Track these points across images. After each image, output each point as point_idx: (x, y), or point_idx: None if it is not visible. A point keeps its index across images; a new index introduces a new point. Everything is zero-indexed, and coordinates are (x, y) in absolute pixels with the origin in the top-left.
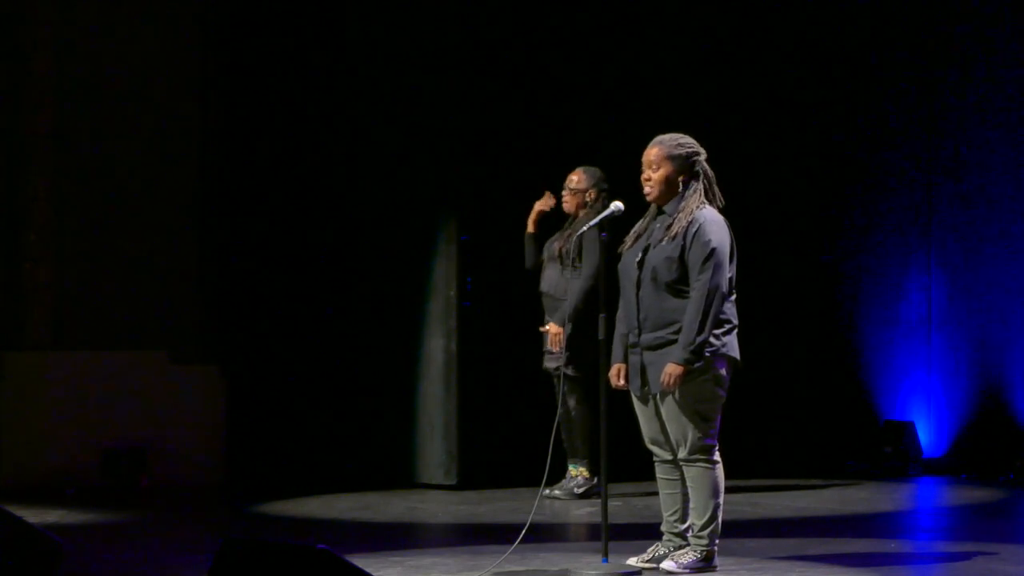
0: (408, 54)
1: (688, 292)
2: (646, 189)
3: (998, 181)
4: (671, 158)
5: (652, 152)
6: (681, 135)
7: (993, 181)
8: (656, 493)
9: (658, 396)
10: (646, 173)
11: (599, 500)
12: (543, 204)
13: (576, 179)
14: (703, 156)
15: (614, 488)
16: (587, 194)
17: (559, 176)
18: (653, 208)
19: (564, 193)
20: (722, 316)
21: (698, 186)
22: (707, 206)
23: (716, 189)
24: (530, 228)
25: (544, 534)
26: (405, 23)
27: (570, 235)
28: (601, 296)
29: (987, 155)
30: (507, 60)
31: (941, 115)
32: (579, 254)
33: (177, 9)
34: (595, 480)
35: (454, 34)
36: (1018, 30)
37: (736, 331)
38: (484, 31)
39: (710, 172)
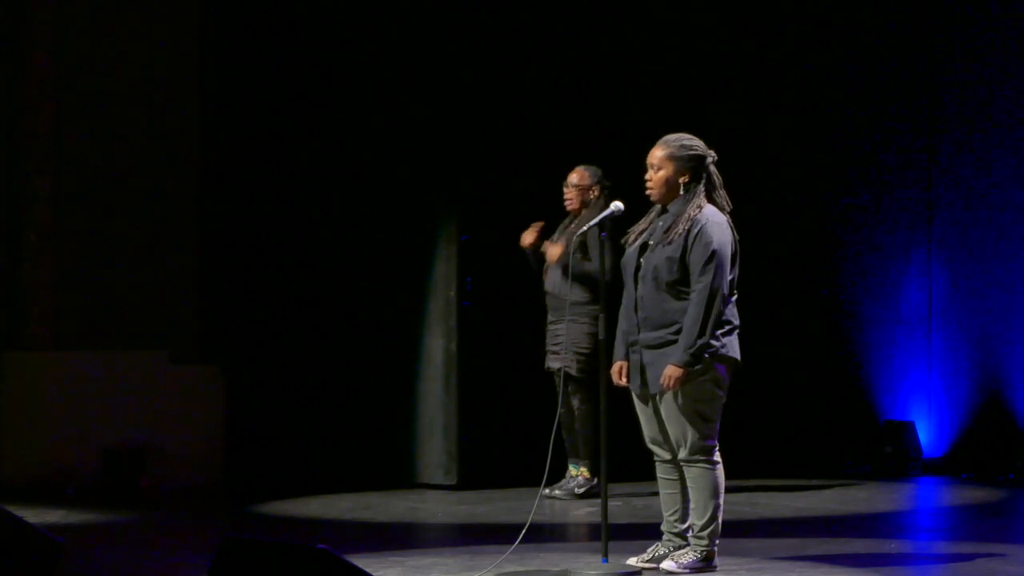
0: (408, 53)
1: (688, 293)
2: (647, 189)
3: (998, 180)
4: (673, 159)
5: (656, 152)
6: (687, 136)
7: (993, 180)
8: (656, 493)
9: (657, 396)
10: (648, 173)
11: (599, 500)
12: (549, 254)
13: (578, 177)
14: (710, 159)
15: (614, 488)
16: (590, 191)
17: (559, 176)
18: (658, 206)
19: (566, 191)
20: (723, 317)
21: (700, 188)
22: (709, 207)
23: (723, 193)
24: (526, 242)
25: (544, 534)
26: (405, 22)
27: (572, 232)
28: (602, 296)
29: (988, 154)
30: (507, 60)
31: (942, 114)
32: (582, 251)
33: (177, 9)
34: (595, 480)
35: (455, 33)
36: (1019, 28)
37: (737, 332)
38: (484, 31)
39: (717, 176)
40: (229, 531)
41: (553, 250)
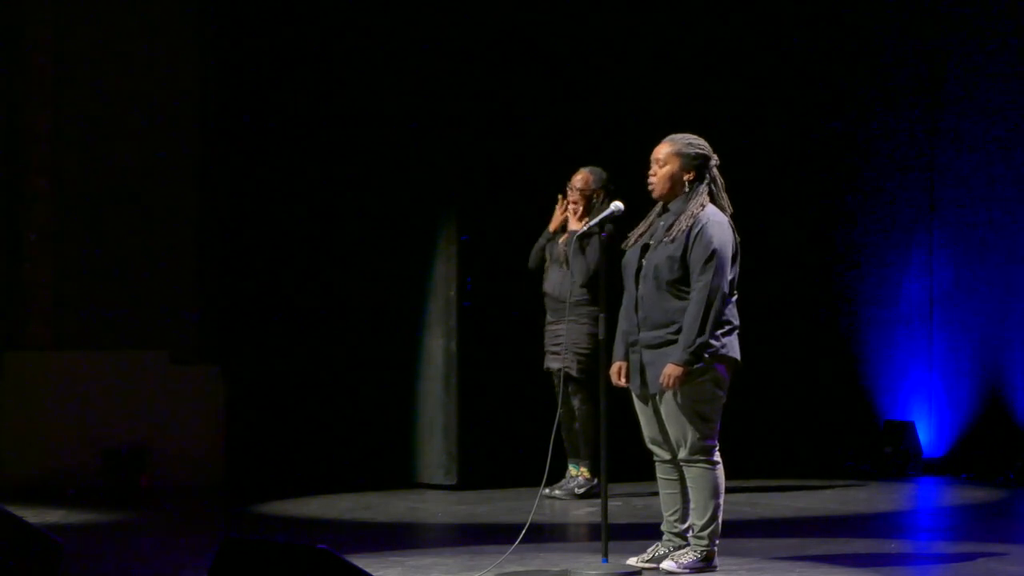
0: (409, 54)
1: (688, 293)
2: (649, 185)
3: (1000, 180)
4: (679, 155)
5: (661, 148)
6: (694, 136)
7: (995, 180)
8: (656, 493)
9: (657, 396)
10: (652, 168)
11: (599, 500)
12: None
13: (581, 180)
14: (713, 161)
15: (614, 488)
16: (595, 195)
17: (559, 176)
18: (659, 206)
19: (570, 194)
20: (723, 317)
21: (703, 188)
22: (711, 207)
23: (724, 195)
24: (552, 227)
25: (544, 534)
26: (405, 22)
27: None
28: (602, 296)
29: (989, 154)
30: (507, 60)
31: (942, 114)
32: (580, 252)
33: (177, 9)
34: (595, 480)
35: (455, 34)
36: (1019, 27)
37: (737, 332)
38: (485, 30)
39: (719, 179)
40: (229, 531)
41: (573, 219)
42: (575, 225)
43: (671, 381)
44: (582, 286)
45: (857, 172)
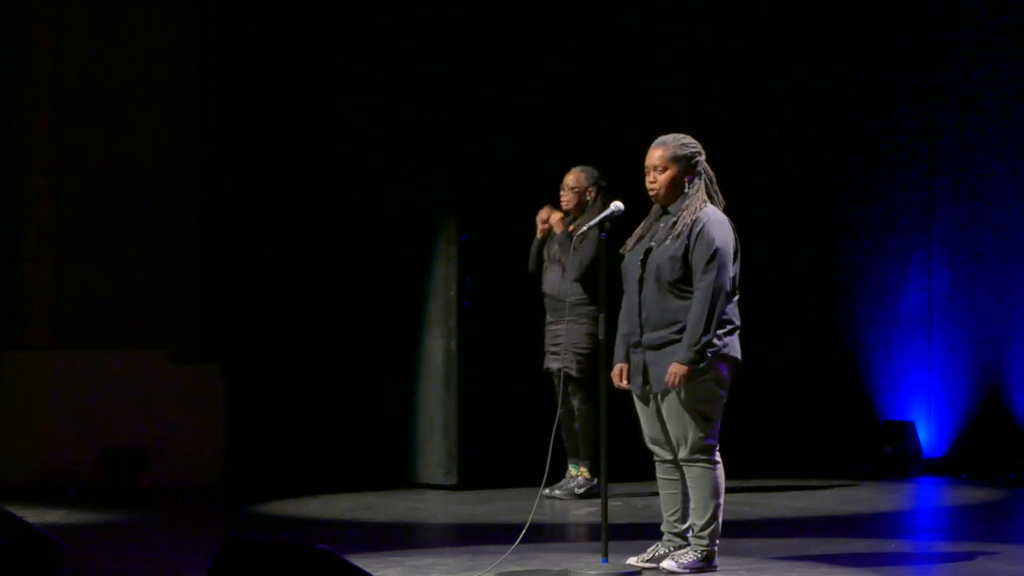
0: (409, 54)
1: (690, 293)
2: (652, 192)
3: (999, 181)
4: (676, 159)
5: (656, 154)
6: (682, 135)
7: (994, 181)
8: (656, 493)
9: (659, 395)
10: (651, 176)
11: (599, 500)
12: (553, 220)
13: (574, 179)
14: (703, 155)
15: (614, 488)
16: (587, 192)
17: (559, 176)
18: (657, 208)
19: (563, 193)
20: (724, 317)
21: (700, 185)
22: (711, 206)
23: (716, 188)
24: (539, 235)
25: (544, 534)
26: (405, 23)
27: (572, 231)
28: (602, 296)
29: (988, 155)
30: (507, 60)
31: (942, 115)
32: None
33: (177, 9)
34: (595, 480)
35: (454, 33)
36: (1018, 29)
37: (738, 332)
38: (484, 30)
39: (710, 171)
40: (229, 531)
41: (556, 217)
42: (560, 227)
43: (676, 380)
44: (575, 280)
45: (857, 172)
